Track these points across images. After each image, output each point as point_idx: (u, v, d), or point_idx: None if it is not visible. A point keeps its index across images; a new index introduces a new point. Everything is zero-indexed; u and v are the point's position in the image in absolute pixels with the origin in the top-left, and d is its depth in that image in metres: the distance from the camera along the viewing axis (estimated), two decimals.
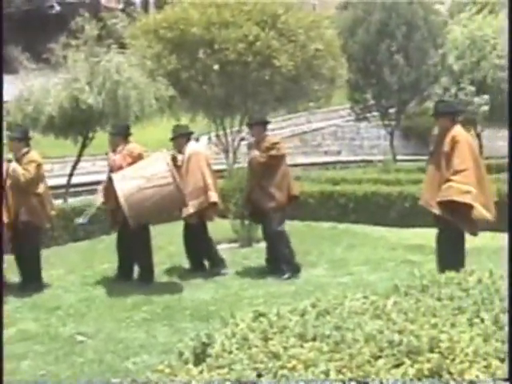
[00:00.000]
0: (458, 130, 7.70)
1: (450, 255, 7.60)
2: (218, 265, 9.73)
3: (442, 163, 7.60)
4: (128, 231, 8.91)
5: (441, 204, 7.52)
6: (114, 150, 9.33)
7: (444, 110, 7.96)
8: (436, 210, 7.63)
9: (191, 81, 18.37)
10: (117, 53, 15.33)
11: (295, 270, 9.31)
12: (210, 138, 22.83)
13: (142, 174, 8.39)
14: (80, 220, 10.02)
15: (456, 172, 7.42)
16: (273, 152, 9.27)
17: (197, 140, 16.35)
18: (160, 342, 6.55)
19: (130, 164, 8.86)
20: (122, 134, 9.47)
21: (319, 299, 3.93)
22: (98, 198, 9.57)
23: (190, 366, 3.17)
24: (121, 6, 39.55)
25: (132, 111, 14.64)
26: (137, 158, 8.97)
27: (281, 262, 9.34)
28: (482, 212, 7.54)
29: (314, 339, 3.25)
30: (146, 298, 8.23)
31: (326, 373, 2.87)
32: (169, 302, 8.10)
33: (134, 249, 9.29)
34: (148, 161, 8.85)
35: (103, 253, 10.95)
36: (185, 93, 18.38)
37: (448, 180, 7.43)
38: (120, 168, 8.84)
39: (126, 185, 8.29)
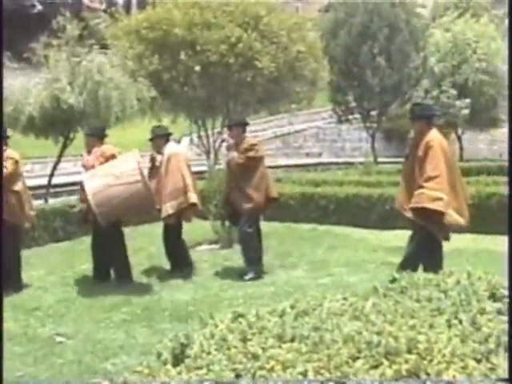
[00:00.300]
0: (432, 135, 7.72)
1: (424, 257, 7.63)
2: (186, 267, 9.70)
3: (416, 167, 7.64)
4: (101, 232, 8.92)
5: (413, 209, 7.57)
6: (89, 151, 9.35)
7: (420, 113, 7.99)
8: (409, 215, 7.69)
9: (173, 82, 18.36)
10: (98, 53, 15.26)
11: (258, 274, 9.30)
12: (191, 140, 22.80)
13: (112, 171, 8.43)
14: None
15: (428, 178, 7.45)
16: (251, 153, 9.28)
17: (178, 142, 16.35)
18: (139, 343, 6.53)
19: (102, 164, 8.89)
20: (97, 135, 9.47)
21: (298, 300, 3.94)
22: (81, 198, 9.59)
23: (169, 366, 3.17)
24: (103, 6, 39.46)
25: (113, 112, 14.59)
26: (109, 159, 9.00)
27: (245, 263, 9.38)
28: (455, 217, 7.59)
29: (292, 340, 3.26)
30: (126, 299, 8.20)
31: (304, 373, 2.88)
32: (148, 302, 8.08)
33: (108, 250, 9.28)
34: (119, 160, 8.89)
35: (83, 254, 10.89)
36: (166, 94, 18.36)
37: (420, 186, 7.47)
38: (92, 168, 8.89)
39: (95, 182, 8.35)
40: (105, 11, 32.89)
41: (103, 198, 8.24)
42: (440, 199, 7.40)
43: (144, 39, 18.28)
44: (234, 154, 9.33)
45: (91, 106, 14.31)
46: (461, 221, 7.68)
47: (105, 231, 8.81)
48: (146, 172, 8.86)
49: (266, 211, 10.04)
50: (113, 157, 9.07)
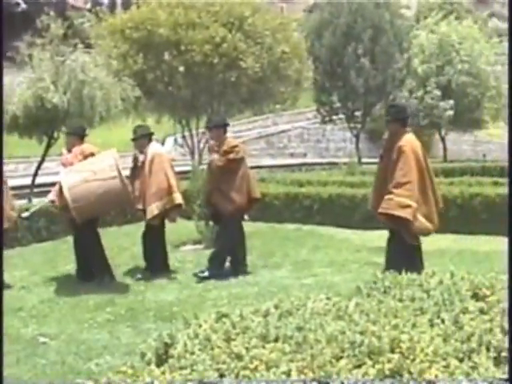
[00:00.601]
0: (406, 139, 7.69)
1: (405, 260, 7.64)
2: (162, 269, 9.68)
3: (388, 171, 7.66)
4: (77, 231, 8.90)
5: (382, 214, 7.60)
6: (69, 150, 9.33)
7: (395, 115, 7.97)
8: (379, 218, 7.75)
9: (157, 82, 18.35)
10: (83, 52, 15.24)
11: (220, 274, 9.31)
12: (175, 140, 22.78)
13: (90, 168, 8.45)
14: (24, 214, 9.99)
15: (398, 184, 7.46)
16: (231, 155, 9.26)
17: (162, 143, 16.31)
18: (123, 343, 6.51)
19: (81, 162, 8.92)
20: (77, 134, 9.47)
21: (282, 300, 3.95)
22: (50, 196, 9.55)
23: (153, 366, 3.17)
24: (88, 6, 39.33)
25: (97, 111, 14.56)
26: (88, 157, 9.01)
27: (212, 258, 9.38)
28: (424, 223, 7.61)
29: (276, 340, 3.27)
30: (109, 299, 8.18)
31: (288, 373, 2.89)
32: (132, 302, 8.06)
33: (85, 251, 9.27)
34: (96, 157, 8.91)
35: (67, 254, 10.84)
36: (150, 94, 18.34)
37: (390, 192, 7.49)
38: (71, 166, 8.88)
39: (72, 177, 8.37)
40: (89, 10, 32.80)
41: (80, 192, 8.23)
42: (408, 206, 7.40)
43: (128, 39, 18.25)
44: (215, 156, 9.32)
45: (75, 105, 14.27)
46: (429, 227, 7.70)
47: (80, 231, 8.84)
48: (128, 171, 8.87)
49: (249, 211, 10.04)
50: (92, 155, 9.07)
